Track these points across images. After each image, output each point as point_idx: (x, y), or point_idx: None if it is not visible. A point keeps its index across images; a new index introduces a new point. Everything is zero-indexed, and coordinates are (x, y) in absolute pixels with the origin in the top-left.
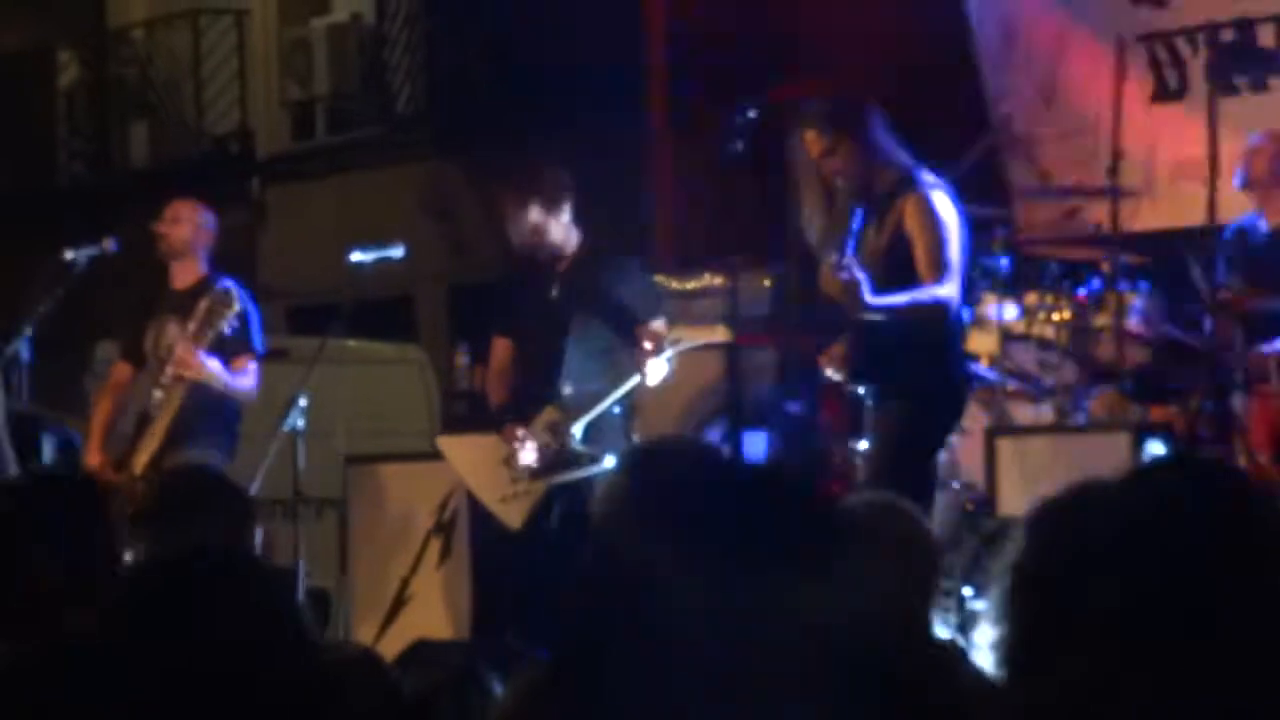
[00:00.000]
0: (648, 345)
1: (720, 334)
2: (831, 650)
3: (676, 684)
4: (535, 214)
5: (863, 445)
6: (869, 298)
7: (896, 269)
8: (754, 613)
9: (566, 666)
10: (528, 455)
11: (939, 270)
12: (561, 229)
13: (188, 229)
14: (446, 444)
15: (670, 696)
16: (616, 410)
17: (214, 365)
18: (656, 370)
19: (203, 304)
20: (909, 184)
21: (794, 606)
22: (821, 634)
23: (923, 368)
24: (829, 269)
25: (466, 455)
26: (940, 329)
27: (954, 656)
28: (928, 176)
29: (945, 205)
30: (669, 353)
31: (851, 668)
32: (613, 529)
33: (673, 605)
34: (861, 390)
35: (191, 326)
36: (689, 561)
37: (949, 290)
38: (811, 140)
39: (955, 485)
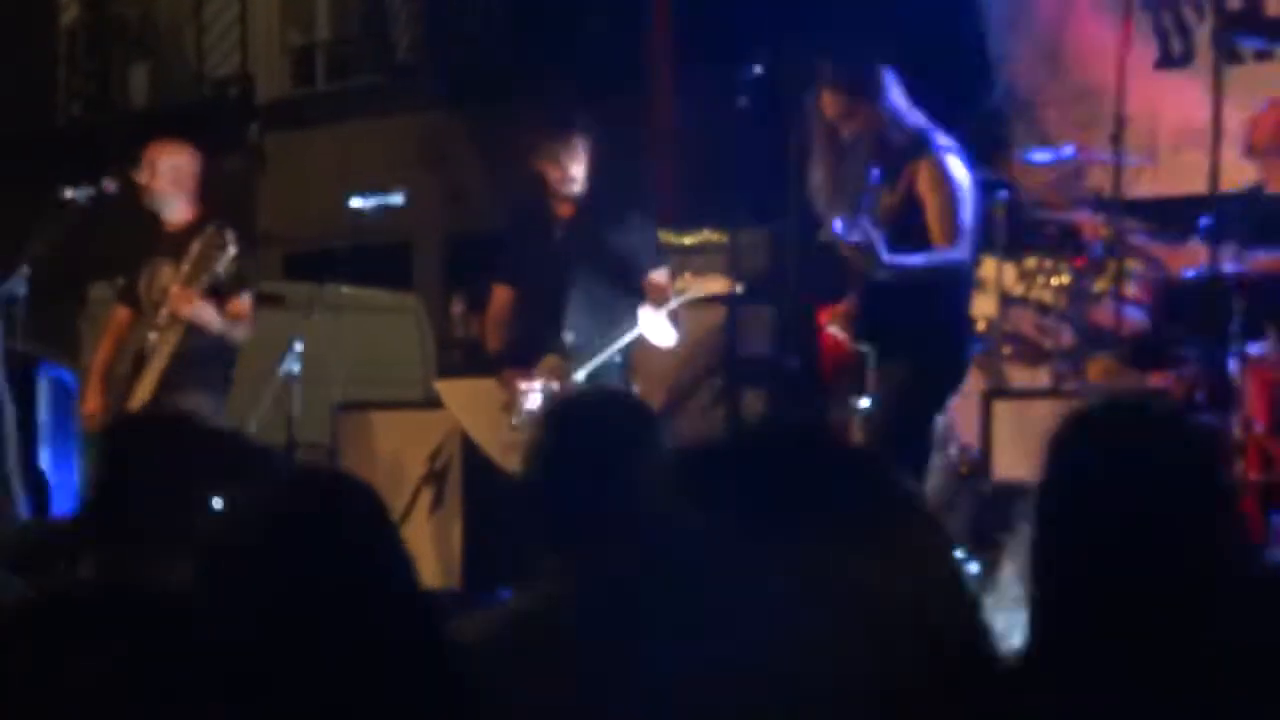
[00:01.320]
0: (652, 297)
1: (722, 284)
2: (889, 622)
3: (718, 654)
4: (579, 159)
5: (862, 405)
6: (883, 257)
7: (908, 230)
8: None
9: (599, 621)
10: (533, 401)
11: (951, 233)
12: (584, 175)
13: (166, 177)
14: (446, 388)
15: (712, 667)
16: (617, 360)
17: (209, 307)
18: (663, 325)
19: (195, 245)
20: (923, 146)
21: (851, 576)
22: (877, 604)
23: (929, 331)
24: (841, 229)
25: (466, 400)
26: (949, 292)
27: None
28: (942, 139)
29: (958, 168)
30: (674, 303)
31: (909, 640)
32: (655, 492)
33: (718, 572)
34: (864, 349)
35: (185, 268)
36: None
37: (960, 254)
38: (829, 101)
39: (951, 448)
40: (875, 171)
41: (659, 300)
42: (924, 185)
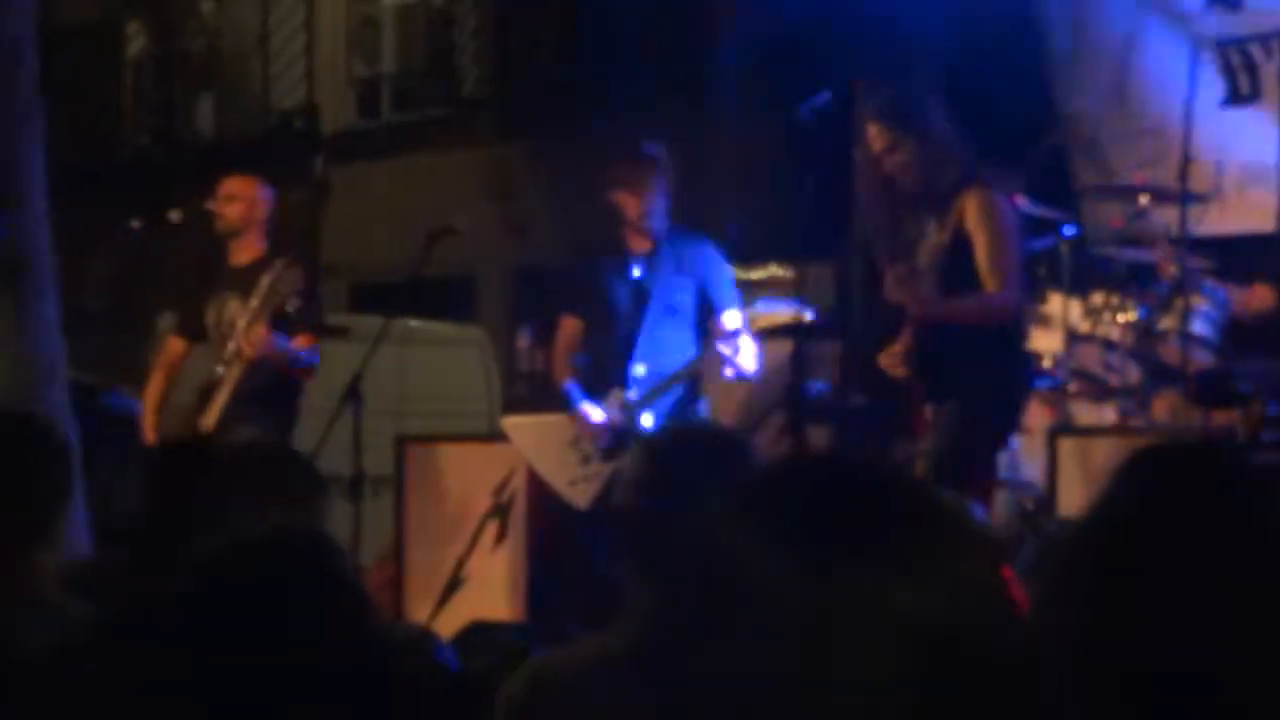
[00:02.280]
0: (724, 334)
1: (790, 316)
2: (927, 649)
3: (765, 673)
4: (658, 192)
5: (923, 443)
6: (929, 302)
7: (956, 267)
8: (850, 609)
9: (649, 645)
10: (603, 436)
11: (999, 271)
12: (659, 209)
13: (241, 206)
14: (512, 425)
15: (757, 686)
16: (686, 395)
17: (277, 342)
18: (745, 353)
19: (264, 280)
20: (970, 182)
21: (891, 603)
22: (917, 632)
23: (983, 369)
24: (890, 274)
25: (533, 437)
26: (1001, 330)
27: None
28: (988, 174)
29: (1005, 204)
30: (745, 338)
31: (947, 667)
32: (705, 516)
33: (766, 596)
34: (922, 390)
35: (254, 303)
36: (785, 552)
37: (1010, 291)
38: (875, 135)
39: (1015, 484)
40: (922, 207)
41: (731, 338)
42: (971, 221)
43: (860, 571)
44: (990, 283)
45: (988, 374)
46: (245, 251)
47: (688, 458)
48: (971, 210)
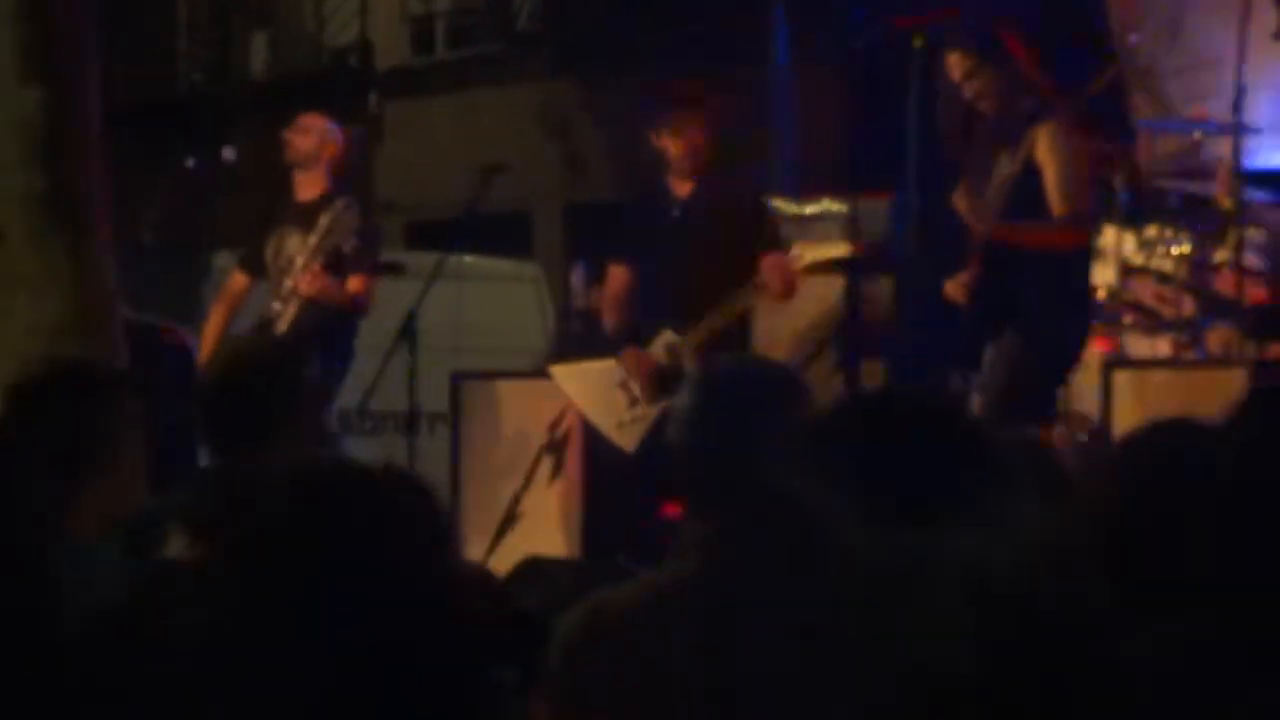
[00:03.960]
0: (769, 274)
1: (842, 249)
2: (987, 596)
3: (819, 618)
4: (701, 135)
5: (981, 376)
6: (999, 227)
7: (1026, 198)
8: (913, 559)
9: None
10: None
11: (1069, 201)
12: (704, 152)
13: (314, 140)
14: (560, 373)
15: (816, 634)
16: (733, 336)
17: (331, 282)
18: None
19: (324, 218)
20: (1045, 112)
21: (956, 554)
22: (977, 578)
23: (1048, 300)
24: (961, 194)
25: (580, 382)
26: (1067, 260)
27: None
28: (1067, 105)
29: (1079, 136)
30: (799, 260)
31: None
32: (764, 456)
33: (829, 544)
34: (984, 321)
35: (313, 240)
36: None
37: (1078, 222)
38: (955, 63)
39: (1069, 417)
40: (996, 134)
41: (776, 279)
42: (1044, 152)
43: (925, 521)
44: (1059, 209)
45: (1052, 306)
46: (310, 187)
47: (740, 393)
48: (1044, 141)
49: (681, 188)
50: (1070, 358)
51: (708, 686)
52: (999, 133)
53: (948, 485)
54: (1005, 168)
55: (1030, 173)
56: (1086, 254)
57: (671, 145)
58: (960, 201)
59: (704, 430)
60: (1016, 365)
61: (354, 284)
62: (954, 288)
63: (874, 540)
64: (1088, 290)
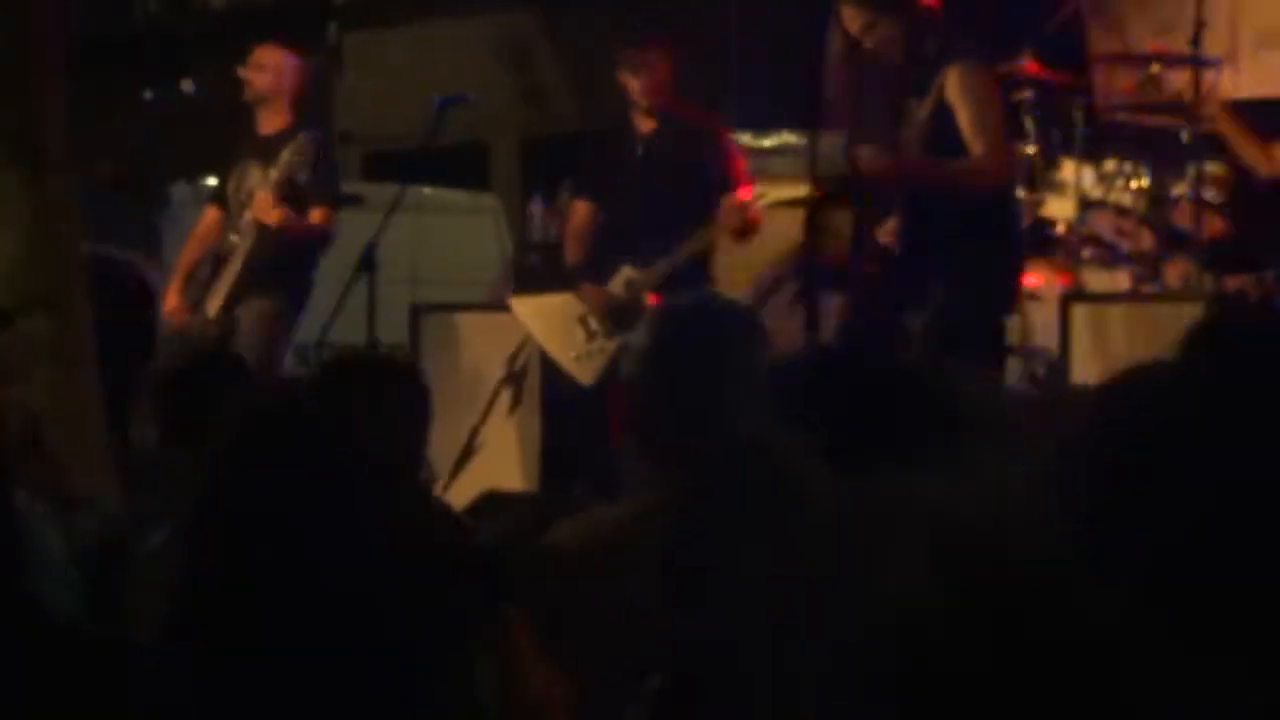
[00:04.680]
0: (730, 211)
1: (800, 191)
2: (953, 539)
3: (789, 556)
4: (662, 73)
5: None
6: (908, 169)
7: (942, 140)
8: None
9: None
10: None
11: (983, 135)
12: (666, 89)
13: (270, 76)
14: (519, 305)
15: (781, 568)
16: (693, 271)
17: (292, 215)
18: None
19: (285, 153)
20: (950, 54)
21: (916, 493)
22: (944, 522)
23: (975, 238)
24: (860, 148)
25: (539, 315)
26: (987, 198)
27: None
28: (970, 45)
29: (987, 74)
30: (758, 203)
31: (972, 557)
32: (726, 400)
33: (798, 491)
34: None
35: (273, 174)
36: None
37: (994, 154)
38: (851, 16)
39: (1027, 351)
40: (902, 84)
41: (737, 216)
42: (953, 92)
43: (891, 470)
44: (974, 148)
45: (982, 246)
46: (272, 121)
47: (698, 331)
48: (953, 82)
49: (645, 124)
50: (1004, 298)
51: (674, 620)
52: (906, 79)
53: (907, 435)
54: (916, 115)
55: (941, 116)
56: (1009, 191)
57: (634, 83)
58: (862, 152)
59: (661, 367)
60: (952, 310)
61: (316, 215)
62: (885, 235)
63: (842, 483)
64: (1016, 228)
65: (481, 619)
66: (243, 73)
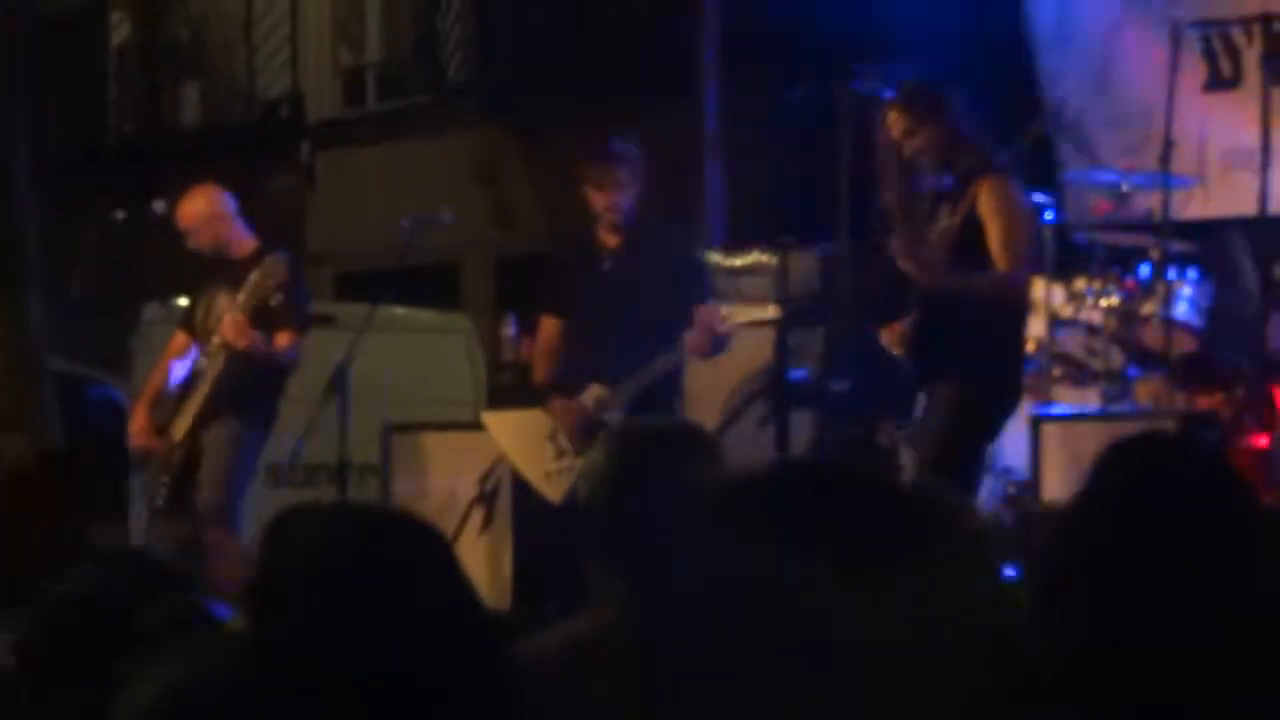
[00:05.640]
0: (699, 327)
1: (769, 313)
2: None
3: (757, 687)
4: (627, 189)
5: (915, 424)
6: (944, 274)
7: (967, 252)
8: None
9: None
10: (580, 431)
11: (1011, 256)
12: (631, 205)
13: (203, 233)
14: (492, 420)
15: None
16: (664, 390)
17: (259, 338)
18: (714, 346)
19: (253, 275)
20: (985, 168)
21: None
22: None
23: (985, 352)
24: (904, 246)
25: (511, 431)
26: (1005, 315)
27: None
28: (1003, 161)
29: (1019, 192)
30: (724, 329)
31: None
32: (698, 523)
33: (787, 602)
34: (919, 371)
35: (240, 297)
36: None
37: (1019, 273)
38: (894, 120)
39: (998, 470)
40: (935, 192)
41: (705, 332)
42: (985, 207)
43: (873, 577)
44: (1002, 264)
45: (990, 360)
46: (237, 252)
47: (649, 451)
48: (985, 196)
49: (610, 240)
50: (1005, 409)
51: None
52: (939, 187)
53: (876, 551)
54: (945, 221)
55: (971, 227)
56: (1023, 308)
57: (597, 198)
58: (902, 252)
59: (612, 487)
60: (947, 416)
61: (281, 339)
62: (891, 336)
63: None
64: (1023, 344)
65: None
66: (187, 243)
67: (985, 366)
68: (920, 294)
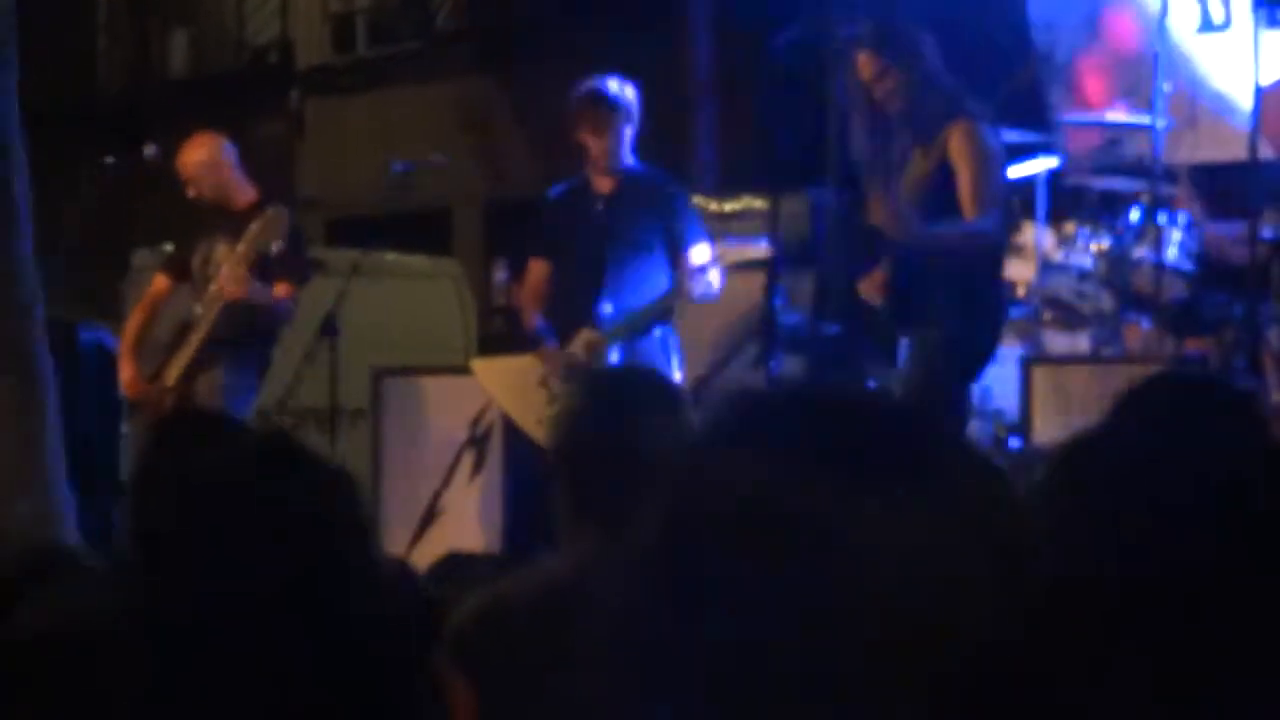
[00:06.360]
0: (689, 272)
1: (761, 251)
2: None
3: (784, 603)
4: (620, 132)
5: (896, 373)
6: (914, 228)
7: (938, 198)
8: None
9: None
10: (570, 376)
11: (982, 201)
12: (623, 149)
13: (205, 181)
14: (481, 367)
15: (781, 612)
16: (656, 333)
17: (258, 288)
18: (705, 286)
19: (254, 226)
20: (957, 112)
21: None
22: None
23: (962, 298)
24: (874, 197)
25: (501, 377)
26: (980, 261)
27: None
28: (975, 105)
29: (991, 137)
30: (714, 266)
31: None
32: (702, 453)
33: (808, 529)
34: (899, 318)
35: (240, 247)
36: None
37: (990, 223)
38: (864, 63)
39: (987, 413)
40: (907, 135)
41: (696, 275)
42: (956, 151)
43: (881, 500)
44: (970, 211)
45: (965, 303)
46: (236, 199)
47: (620, 396)
48: (956, 141)
49: (602, 184)
50: (983, 356)
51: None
52: (910, 133)
53: (883, 474)
54: (918, 167)
55: (943, 172)
56: (999, 254)
57: (589, 141)
58: (874, 204)
59: (577, 431)
60: (929, 363)
61: (280, 289)
62: (868, 287)
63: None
64: (1000, 289)
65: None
66: (188, 191)
67: (963, 313)
68: (894, 244)
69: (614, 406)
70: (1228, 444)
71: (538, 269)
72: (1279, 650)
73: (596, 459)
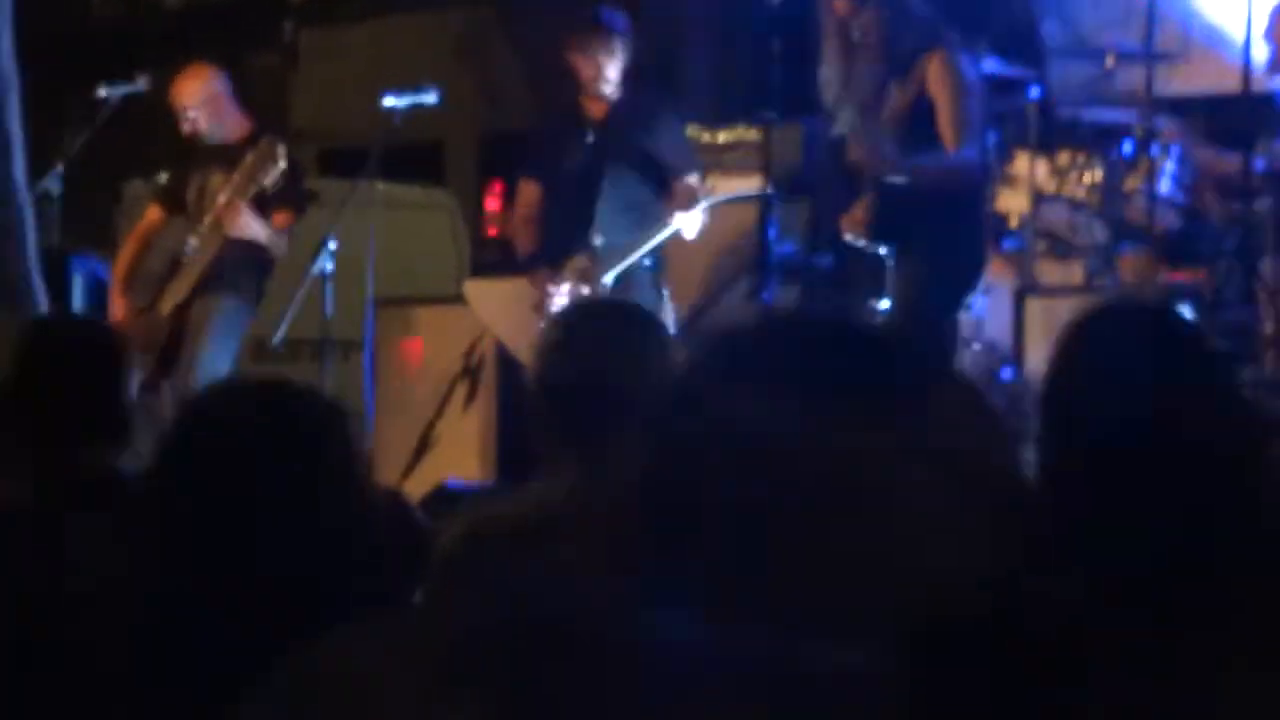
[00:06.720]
0: (681, 200)
1: (754, 184)
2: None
3: (781, 522)
4: (614, 58)
5: (884, 305)
6: (892, 160)
7: (917, 129)
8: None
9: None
10: (561, 303)
11: (958, 130)
12: (618, 76)
13: (201, 114)
14: (474, 290)
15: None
16: (647, 263)
17: (255, 221)
18: (691, 223)
19: (249, 157)
20: (934, 43)
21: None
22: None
23: (943, 229)
24: (852, 135)
25: (494, 301)
26: (962, 192)
27: None
28: (952, 35)
29: (967, 66)
30: (703, 204)
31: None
32: (695, 381)
33: (771, 447)
34: (882, 251)
35: (237, 179)
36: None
37: (968, 150)
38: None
39: (979, 345)
40: (883, 70)
41: (688, 203)
42: (934, 82)
43: (873, 423)
44: (950, 141)
45: (949, 236)
46: (232, 130)
47: (599, 327)
48: (933, 71)
49: (595, 109)
50: (967, 285)
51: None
52: (887, 66)
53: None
54: (896, 100)
55: (922, 103)
56: (981, 182)
57: (583, 66)
58: (851, 139)
59: (564, 367)
60: (915, 294)
61: (278, 219)
62: (850, 222)
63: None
64: (982, 216)
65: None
66: (182, 123)
67: (944, 242)
68: (873, 178)
69: (595, 340)
70: (1165, 379)
71: (528, 191)
72: (1213, 565)
73: (576, 392)
